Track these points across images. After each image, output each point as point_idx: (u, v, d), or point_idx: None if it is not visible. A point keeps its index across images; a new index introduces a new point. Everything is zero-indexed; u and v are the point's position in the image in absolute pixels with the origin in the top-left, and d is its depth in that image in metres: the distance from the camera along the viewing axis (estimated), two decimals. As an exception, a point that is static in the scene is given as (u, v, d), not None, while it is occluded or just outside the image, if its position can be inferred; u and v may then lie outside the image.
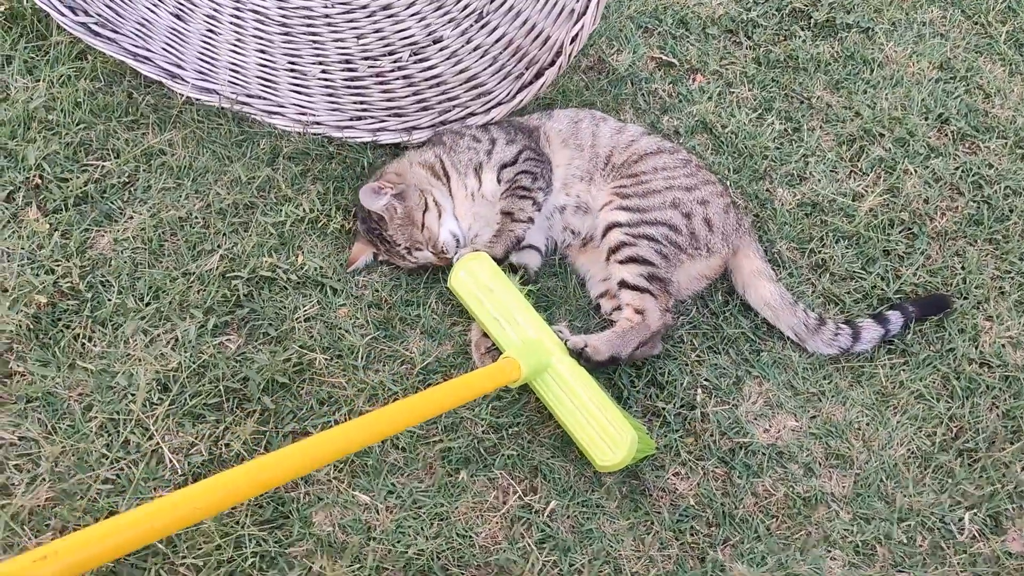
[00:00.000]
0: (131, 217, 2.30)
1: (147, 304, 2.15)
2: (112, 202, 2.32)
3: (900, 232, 2.52)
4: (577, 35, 2.07)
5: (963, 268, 2.44)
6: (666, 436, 2.11)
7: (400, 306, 2.25)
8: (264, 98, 2.51)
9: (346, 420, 2.03)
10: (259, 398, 2.03)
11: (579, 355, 2.06)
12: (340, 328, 2.18)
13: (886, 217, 2.53)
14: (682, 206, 2.27)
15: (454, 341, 2.21)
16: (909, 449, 2.14)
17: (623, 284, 2.22)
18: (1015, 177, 2.64)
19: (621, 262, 2.23)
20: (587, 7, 2.03)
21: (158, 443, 1.95)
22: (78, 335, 2.08)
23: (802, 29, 3.00)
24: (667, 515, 1.99)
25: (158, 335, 2.11)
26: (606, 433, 1.96)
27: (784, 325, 2.28)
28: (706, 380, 2.22)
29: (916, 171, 2.64)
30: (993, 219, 2.55)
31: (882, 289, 2.40)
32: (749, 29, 2.97)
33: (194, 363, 2.06)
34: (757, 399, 2.21)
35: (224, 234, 2.29)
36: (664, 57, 2.86)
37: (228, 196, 2.35)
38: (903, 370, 2.26)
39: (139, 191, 2.35)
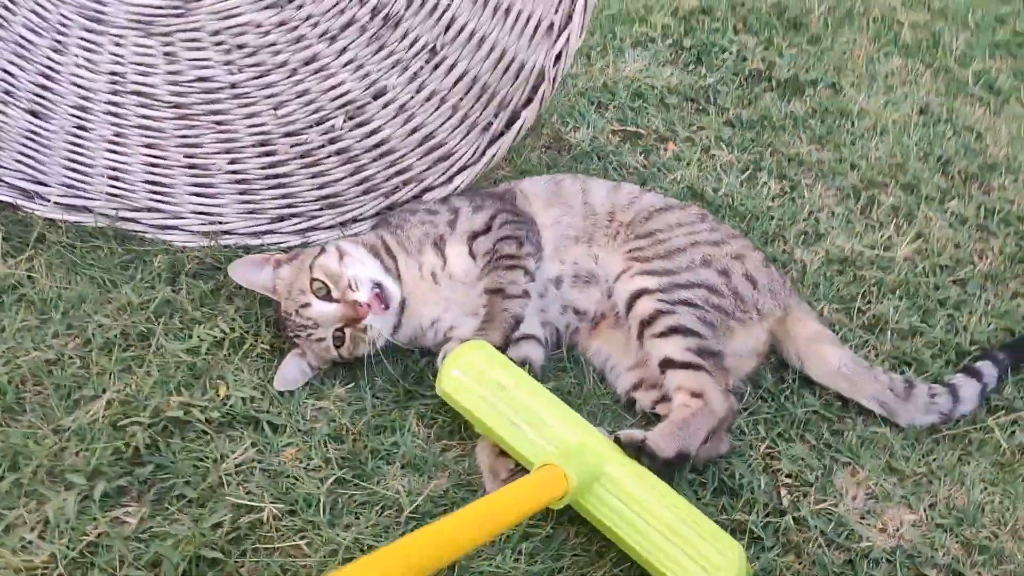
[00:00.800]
0: (-26, 370, 1.66)
1: (1, 477, 1.49)
2: (-51, 352, 1.68)
3: (947, 279, 2.12)
4: (561, 53, 1.65)
5: (1031, 308, 2.04)
6: (760, 557, 1.53)
7: (368, 435, 1.64)
8: (156, 209, 1.96)
9: (314, 602, 1.38)
10: (180, 588, 1.36)
11: (637, 452, 1.50)
12: (288, 475, 1.55)
13: (927, 263, 2.14)
14: (715, 263, 1.80)
15: (450, 472, 1.60)
16: (1062, 527, 1.62)
17: (668, 363, 1.68)
18: (1042, 211, 2.32)
19: (660, 335, 1.71)
20: (570, 15, 1.62)
21: None
22: None
23: (766, 91, 2.71)
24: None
25: (18, 518, 1.43)
26: (701, 553, 1.38)
27: (865, 396, 1.78)
28: (788, 477, 1.67)
29: (936, 216, 2.28)
30: (1038, 255, 2.19)
31: (958, 341, 1.96)
32: (711, 95, 2.66)
33: (75, 550, 1.38)
34: (857, 492, 1.67)
35: (111, 374, 1.67)
36: (627, 129, 2.48)
37: (115, 325, 1.75)
38: (1017, 429, 1.78)
39: (-12, 334, 1.72)
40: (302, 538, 1.46)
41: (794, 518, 1.60)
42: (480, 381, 1.59)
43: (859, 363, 1.80)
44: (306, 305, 1.70)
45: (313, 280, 1.70)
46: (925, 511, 1.65)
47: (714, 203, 2.26)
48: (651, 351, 1.71)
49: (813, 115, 2.61)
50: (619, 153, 2.39)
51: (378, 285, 1.72)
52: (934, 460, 1.73)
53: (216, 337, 1.76)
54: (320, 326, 1.70)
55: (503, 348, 1.69)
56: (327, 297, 1.70)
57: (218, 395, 1.66)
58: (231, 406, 1.64)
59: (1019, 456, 1.74)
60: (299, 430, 1.64)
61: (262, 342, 1.78)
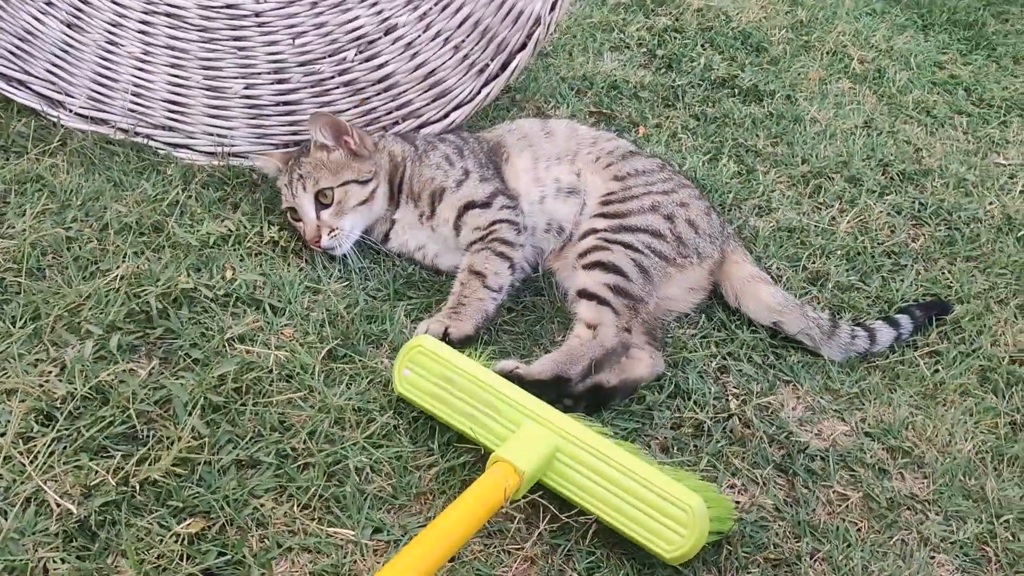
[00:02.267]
0: (-4, 243, 1.79)
1: (21, 326, 1.61)
2: (-30, 227, 1.82)
3: (882, 254, 2.35)
4: (556, 1, 1.86)
5: (956, 280, 2.27)
6: (708, 446, 1.71)
7: (361, 321, 1.80)
8: (172, 128, 2.12)
9: (307, 446, 1.51)
10: (186, 421, 1.49)
11: (514, 381, 1.61)
12: (286, 349, 1.70)
13: (866, 238, 2.37)
14: (662, 208, 2.00)
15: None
16: (975, 444, 1.82)
17: (582, 293, 1.86)
18: (969, 208, 2.58)
19: (586, 267, 1.89)
20: (566, -31, 1.85)
21: (38, 485, 1.36)
22: (-84, 365, 1.51)
23: (728, 96, 2.97)
24: (739, 526, 1.55)
25: (37, 359, 1.56)
26: (664, 512, 1.42)
27: (794, 329, 1.97)
28: (736, 388, 1.86)
29: (875, 205, 2.53)
30: (964, 240, 2.44)
31: (890, 296, 2.18)
32: (679, 94, 2.91)
33: (89, 386, 1.51)
34: (796, 405, 1.86)
35: (126, 254, 1.81)
36: (603, 111, 2.72)
37: (131, 214, 1.90)
38: (939, 368, 1.99)
39: (10, 215, 1.86)
40: (299, 394, 1.61)
41: (739, 418, 1.79)
42: (430, 378, 1.60)
43: (790, 300, 2.00)
44: (304, 190, 1.92)
45: (332, 189, 1.91)
46: (856, 424, 1.84)
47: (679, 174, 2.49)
48: (575, 280, 1.90)
49: (770, 118, 2.87)
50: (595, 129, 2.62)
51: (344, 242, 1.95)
52: (866, 384, 1.93)
53: (223, 233, 1.92)
54: (292, 203, 1.95)
55: (475, 336, 1.79)
56: (322, 207, 1.91)
57: (224, 278, 1.81)
58: (235, 288, 1.79)
59: (940, 388, 1.95)
60: (297, 314, 1.79)
61: (265, 240, 1.93)
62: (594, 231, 1.95)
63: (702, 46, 3.27)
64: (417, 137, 2.08)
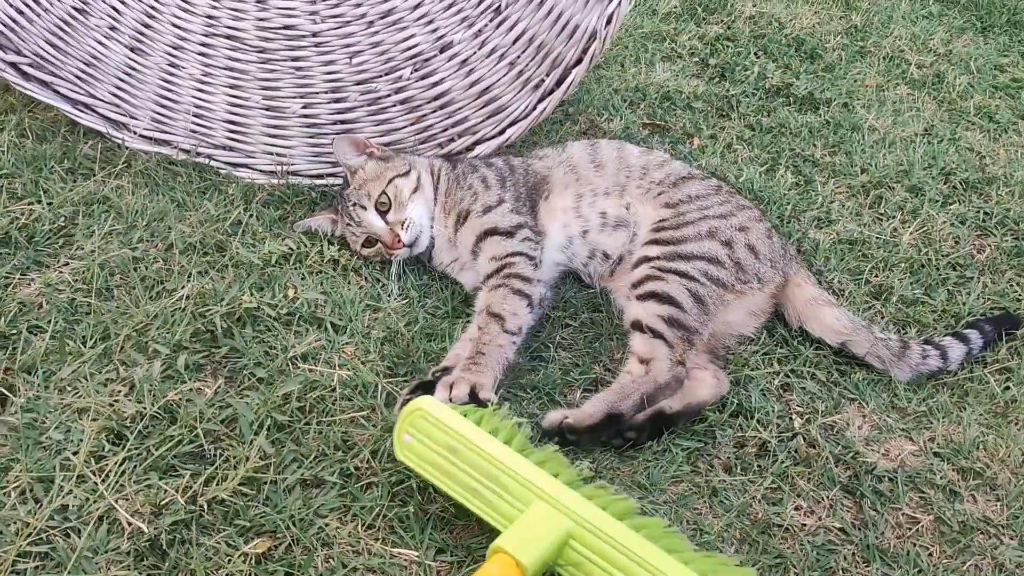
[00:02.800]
0: (66, 263, 1.83)
1: (92, 346, 1.64)
2: (42, 247, 1.86)
3: (947, 266, 2.29)
4: (612, 15, 1.85)
5: (1025, 293, 2.22)
6: (773, 466, 1.68)
7: (421, 340, 1.80)
8: (231, 148, 2.15)
9: (370, 465, 1.52)
10: (252, 440, 1.51)
11: (560, 433, 1.61)
12: (348, 367, 1.71)
13: (929, 250, 2.32)
14: (720, 234, 1.95)
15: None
16: (1051, 466, 1.77)
17: (636, 325, 1.83)
18: (1037, 218, 2.52)
19: (640, 297, 1.85)
20: (622, -18, 1.84)
21: (110, 504, 1.39)
22: (-7, 384, 1.55)
23: (784, 105, 2.93)
24: (804, 550, 1.52)
25: (108, 379, 1.59)
26: None
27: (862, 351, 1.93)
28: (799, 406, 1.83)
29: (938, 215, 2.47)
30: (1033, 252, 2.38)
31: (956, 311, 2.12)
32: (733, 103, 2.88)
33: (158, 406, 1.54)
34: (862, 424, 1.82)
35: (191, 274, 1.84)
36: (657, 123, 2.70)
37: (194, 234, 1.93)
38: (1010, 385, 1.94)
39: (79, 236, 1.90)
40: (361, 414, 1.62)
41: (804, 438, 1.76)
42: (431, 446, 1.45)
43: (856, 322, 1.95)
44: (364, 208, 1.93)
45: (383, 193, 1.92)
46: (925, 443, 1.80)
47: (736, 187, 2.45)
48: (628, 311, 1.87)
49: (827, 126, 2.83)
50: (648, 143, 2.60)
51: (421, 229, 1.96)
52: (934, 402, 1.88)
53: (284, 252, 1.94)
54: (361, 226, 1.94)
55: (495, 387, 1.71)
56: (385, 212, 1.92)
57: (286, 297, 1.83)
58: (298, 306, 1.81)
59: (1012, 407, 1.89)
60: (358, 333, 1.80)
61: (326, 259, 1.95)
62: (647, 259, 1.92)
63: (755, 54, 3.23)
64: (462, 159, 2.10)
